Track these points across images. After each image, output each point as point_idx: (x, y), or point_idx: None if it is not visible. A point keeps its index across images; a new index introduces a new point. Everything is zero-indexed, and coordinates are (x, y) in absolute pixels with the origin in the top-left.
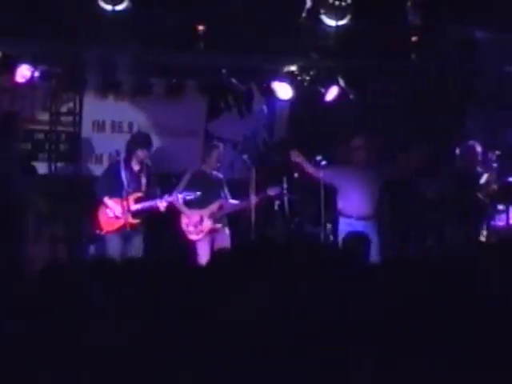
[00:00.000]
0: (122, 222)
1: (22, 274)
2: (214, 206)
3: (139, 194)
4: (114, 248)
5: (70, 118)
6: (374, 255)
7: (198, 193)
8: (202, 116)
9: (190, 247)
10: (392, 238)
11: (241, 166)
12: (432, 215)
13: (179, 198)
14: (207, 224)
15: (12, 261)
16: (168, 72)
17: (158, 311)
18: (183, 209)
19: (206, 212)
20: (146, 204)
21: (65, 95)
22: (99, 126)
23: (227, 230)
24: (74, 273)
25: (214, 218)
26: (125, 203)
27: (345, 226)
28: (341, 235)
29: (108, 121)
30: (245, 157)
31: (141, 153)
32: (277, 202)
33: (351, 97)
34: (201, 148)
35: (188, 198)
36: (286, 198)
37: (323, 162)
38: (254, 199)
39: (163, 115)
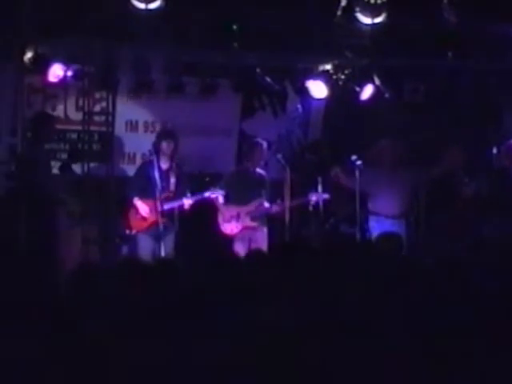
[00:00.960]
0: (150, 220)
1: (56, 274)
2: (253, 205)
3: (168, 194)
4: (145, 248)
5: (103, 118)
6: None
7: (221, 191)
8: (236, 115)
9: (227, 245)
10: (426, 237)
11: (275, 166)
12: (469, 214)
13: (207, 196)
14: (244, 221)
15: (45, 262)
16: (201, 71)
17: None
18: (220, 204)
19: (244, 209)
20: (173, 204)
21: (98, 95)
22: (132, 126)
23: (265, 230)
24: (106, 273)
25: (252, 215)
26: (157, 203)
27: (373, 223)
28: (370, 232)
29: (141, 120)
30: (279, 157)
31: (166, 144)
32: (311, 202)
33: (386, 95)
34: (234, 147)
35: (213, 196)
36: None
37: (358, 162)
38: (290, 203)
39: (197, 114)
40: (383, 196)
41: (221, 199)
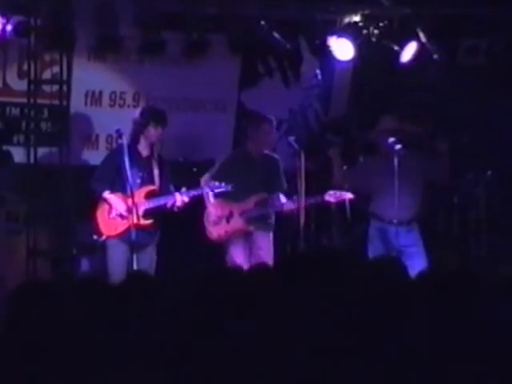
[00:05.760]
0: (127, 223)
1: None
2: (250, 201)
3: (151, 188)
4: (117, 260)
5: (56, 88)
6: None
7: (229, 186)
8: (234, 83)
9: (219, 254)
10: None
11: (285, 151)
12: None
13: (206, 192)
14: (236, 222)
15: None
16: (187, 24)
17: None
18: (210, 199)
19: (238, 207)
20: (161, 201)
21: (48, 56)
22: (94, 99)
23: (270, 236)
24: (59, 294)
25: (248, 216)
26: (131, 200)
27: (374, 231)
28: (370, 241)
29: (106, 91)
30: (291, 139)
31: (154, 131)
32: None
33: (435, 56)
34: (231, 126)
35: (217, 191)
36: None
37: (397, 146)
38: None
39: (180, 82)
40: (386, 196)
41: (211, 195)
